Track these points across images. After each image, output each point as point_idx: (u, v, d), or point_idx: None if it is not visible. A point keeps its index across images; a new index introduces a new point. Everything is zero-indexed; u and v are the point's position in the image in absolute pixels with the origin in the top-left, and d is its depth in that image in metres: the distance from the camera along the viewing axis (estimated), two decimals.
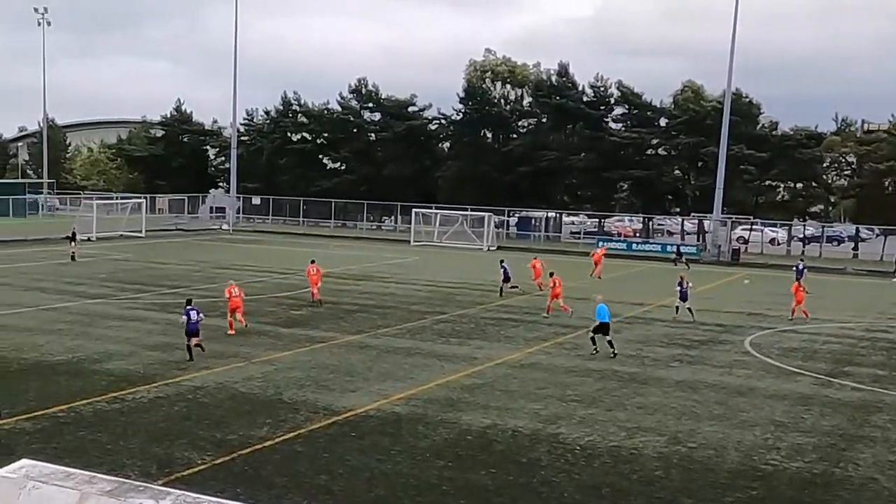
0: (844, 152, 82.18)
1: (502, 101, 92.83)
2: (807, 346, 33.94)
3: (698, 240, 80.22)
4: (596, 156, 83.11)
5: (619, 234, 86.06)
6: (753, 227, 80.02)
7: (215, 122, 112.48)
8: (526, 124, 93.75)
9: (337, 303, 40.38)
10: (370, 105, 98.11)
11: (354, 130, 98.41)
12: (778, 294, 45.51)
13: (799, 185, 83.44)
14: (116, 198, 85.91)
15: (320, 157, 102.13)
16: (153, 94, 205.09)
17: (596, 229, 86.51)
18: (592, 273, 53.96)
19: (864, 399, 25.73)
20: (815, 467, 19.37)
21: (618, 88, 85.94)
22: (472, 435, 20.77)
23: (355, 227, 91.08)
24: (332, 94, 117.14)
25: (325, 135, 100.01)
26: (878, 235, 78.32)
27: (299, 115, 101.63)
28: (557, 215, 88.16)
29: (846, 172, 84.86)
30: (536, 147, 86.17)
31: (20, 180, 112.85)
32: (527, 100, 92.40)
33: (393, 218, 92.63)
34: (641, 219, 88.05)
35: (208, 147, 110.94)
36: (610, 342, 30.62)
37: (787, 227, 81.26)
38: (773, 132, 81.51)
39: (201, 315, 28.22)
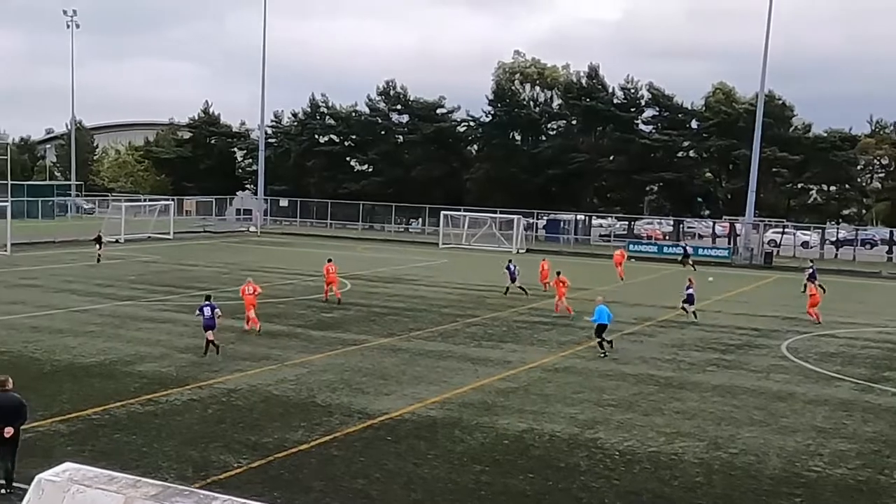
0: (878, 154, 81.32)
1: (531, 103, 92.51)
2: (845, 350, 33.44)
3: (729, 243, 79.58)
4: (626, 158, 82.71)
5: (649, 237, 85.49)
6: (785, 230, 79.25)
7: (243, 123, 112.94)
8: (555, 126, 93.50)
9: (367, 305, 40.20)
10: (398, 107, 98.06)
11: (382, 132, 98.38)
12: None
13: (832, 188, 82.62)
14: (144, 200, 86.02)
15: (348, 159, 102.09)
16: (179, 97, 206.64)
17: (625, 232, 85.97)
18: (619, 275, 53.91)
19: None
20: (859, 474, 18.98)
21: (648, 90, 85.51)
22: (508, 439, 20.50)
23: (382, 229, 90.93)
24: (357, 96, 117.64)
25: (353, 137, 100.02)
26: None
27: (327, 116, 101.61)
28: (586, 218, 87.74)
29: (880, 175, 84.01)
30: (566, 149, 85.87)
31: (49, 182, 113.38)
32: (556, 102, 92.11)
33: (420, 220, 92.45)
34: (671, 222, 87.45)
35: (236, 149, 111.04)
36: (603, 342, 31.00)
37: (819, 231, 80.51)
38: (807, 134, 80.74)
39: (218, 311, 28.59)
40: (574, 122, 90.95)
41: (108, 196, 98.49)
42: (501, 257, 64.21)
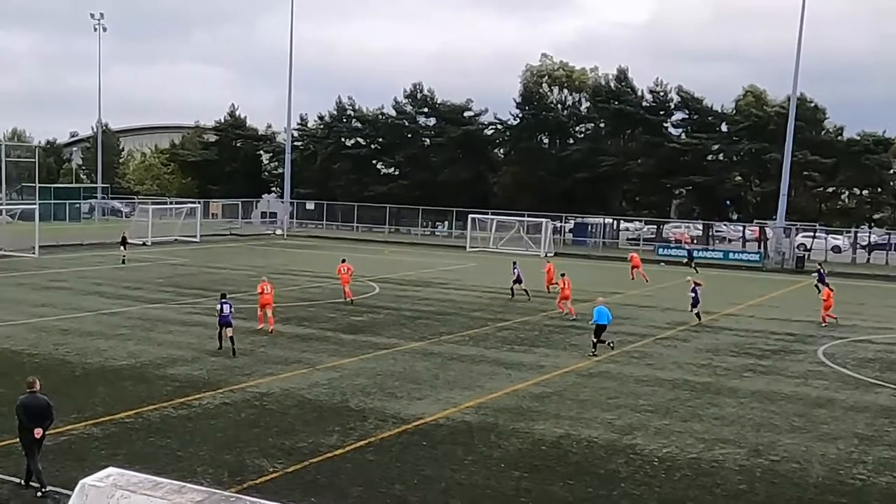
0: None
1: (559, 106, 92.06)
2: (882, 356, 32.94)
3: (759, 247, 78.98)
4: (655, 161, 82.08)
5: (677, 241, 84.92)
6: (816, 234, 78.47)
7: (269, 126, 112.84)
8: (583, 129, 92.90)
9: (397, 309, 39.99)
10: (425, 110, 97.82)
11: (409, 135, 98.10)
12: (847, 303, 44.60)
13: (864, 192, 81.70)
14: (170, 202, 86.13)
15: (374, 162, 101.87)
16: (204, 100, 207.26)
17: (653, 236, 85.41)
18: (640, 277, 54.37)
19: None
20: None
21: (678, 93, 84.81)
22: (545, 445, 20.22)
23: (409, 232, 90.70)
24: (383, 98, 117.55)
25: (380, 140, 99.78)
26: None
27: (353, 119, 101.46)
28: (614, 221, 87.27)
29: None
30: (594, 153, 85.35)
31: (76, 185, 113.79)
32: (584, 105, 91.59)
33: (447, 223, 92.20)
34: (700, 225, 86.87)
35: (262, 152, 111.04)
36: (602, 340, 31.25)
37: (850, 235, 79.76)
38: (839, 137, 79.73)
39: (233, 308, 29.40)
40: (602, 125, 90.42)
41: (134, 199, 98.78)
42: (529, 261, 63.98)
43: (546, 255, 67.19)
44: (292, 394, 23.81)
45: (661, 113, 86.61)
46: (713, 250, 75.92)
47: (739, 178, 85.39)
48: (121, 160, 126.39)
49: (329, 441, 19.76)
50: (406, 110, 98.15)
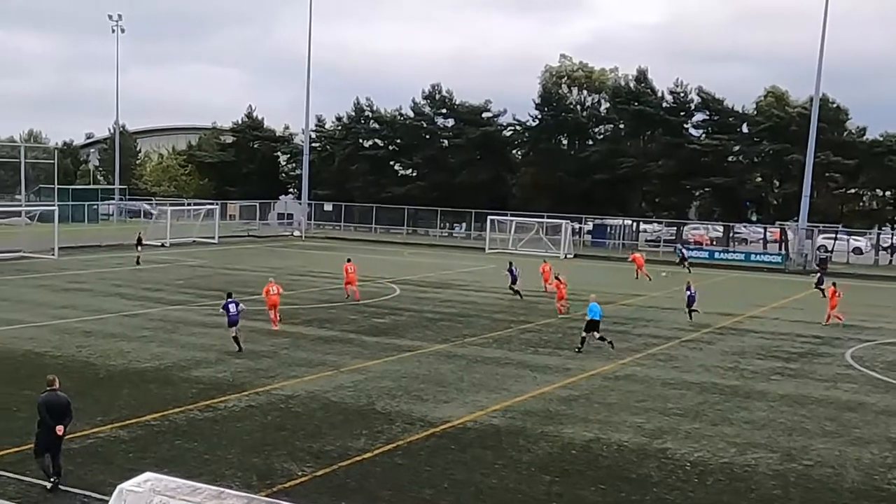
0: None
1: (578, 106, 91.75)
2: None
3: (780, 249, 78.52)
4: (675, 163, 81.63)
5: (697, 243, 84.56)
6: (837, 235, 77.90)
7: (286, 128, 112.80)
8: (603, 130, 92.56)
9: (419, 311, 39.81)
10: (444, 111, 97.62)
11: (427, 137, 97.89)
12: (872, 305, 44.28)
13: (887, 193, 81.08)
14: (186, 204, 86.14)
15: (392, 163, 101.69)
16: (220, 101, 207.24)
17: (673, 237, 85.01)
18: (637, 276, 55.74)
19: None
20: None
21: (698, 94, 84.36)
22: (575, 449, 19.99)
23: (427, 233, 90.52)
24: (399, 100, 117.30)
25: (398, 141, 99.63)
26: None
27: (371, 121, 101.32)
28: (633, 223, 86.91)
29: None
30: (613, 154, 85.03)
31: (93, 186, 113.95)
32: (604, 106, 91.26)
33: (465, 225, 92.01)
34: (720, 227, 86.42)
35: (279, 153, 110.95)
36: (601, 337, 31.63)
37: (871, 237, 79.17)
38: (861, 138, 79.18)
39: (241, 307, 29.99)
40: (622, 126, 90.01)
41: (152, 200, 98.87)
42: (550, 263, 63.77)
43: (566, 257, 66.90)
44: (318, 396, 23.62)
45: (682, 114, 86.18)
46: (734, 252, 75.45)
47: (760, 179, 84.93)
48: (138, 161, 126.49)
49: (357, 444, 19.55)
50: (424, 111, 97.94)
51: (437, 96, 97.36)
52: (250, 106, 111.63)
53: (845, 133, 79.53)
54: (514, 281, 45.47)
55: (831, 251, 75.22)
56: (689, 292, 39.74)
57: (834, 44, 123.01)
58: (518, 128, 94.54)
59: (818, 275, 52.60)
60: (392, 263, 61.10)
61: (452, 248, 77.41)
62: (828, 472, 19.12)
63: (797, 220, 70.83)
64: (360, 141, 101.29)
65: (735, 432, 21.81)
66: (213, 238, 74.71)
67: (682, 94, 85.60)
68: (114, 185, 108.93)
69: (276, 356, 28.62)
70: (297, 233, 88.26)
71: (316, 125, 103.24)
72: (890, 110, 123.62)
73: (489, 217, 76.87)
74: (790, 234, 76.02)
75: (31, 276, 47.41)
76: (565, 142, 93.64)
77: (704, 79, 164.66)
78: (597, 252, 74.62)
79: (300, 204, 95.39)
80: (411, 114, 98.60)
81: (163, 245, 68.38)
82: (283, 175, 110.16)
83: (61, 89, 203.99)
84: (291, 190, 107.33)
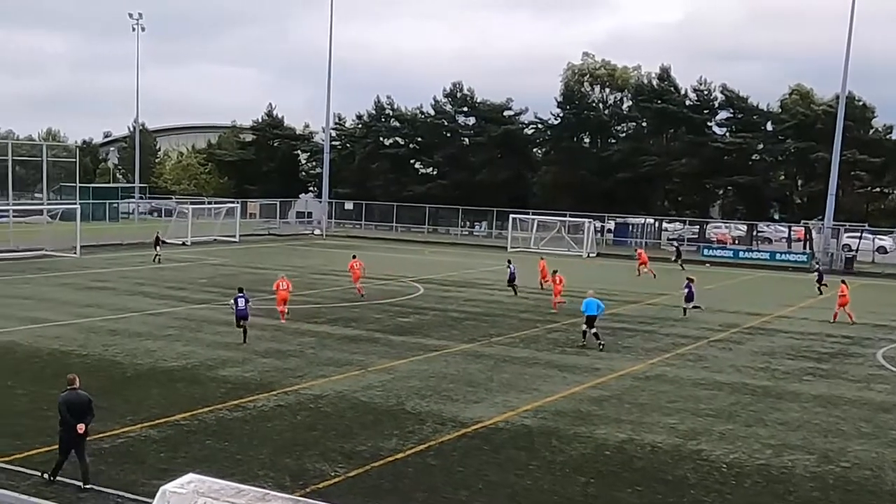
0: None
1: (601, 105, 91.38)
2: None
3: (804, 248, 77.95)
4: (698, 161, 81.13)
5: (719, 241, 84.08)
6: (863, 234, 77.13)
7: (306, 126, 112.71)
8: (625, 129, 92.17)
9: (444, 310, 39.60)
10: (465, 109, 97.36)
11: (448, 135, 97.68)
12: None
13: None
14: (206, 202, 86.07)
15: (412, 161, 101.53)
16: (237, 100, 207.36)
17: (696, 236, 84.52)
18: (640, 273, 56.40)
19: None
20: None
21: (722, 92, 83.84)
22: (609, 450, 19.75)
23: (447, 232, 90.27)
24: (418, 98, 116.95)
25: (419, 139, 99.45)
26: None
27: (392, 119, 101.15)
28: (655, 221, 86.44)
29: None
30: (636, 152, 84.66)
31: (113, 185, 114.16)
32: (626, 104, 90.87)
33: (486, 223, 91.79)
34: (744, 226, 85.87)
35: (299, 152, 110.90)
36: (596, 334, 31.61)
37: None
38: (888, 136, 78.53)
39: (250, 303, 31.18)
40: (644, 124, 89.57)
41: (171, 198, 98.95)
42: (572, 262, 63.63)
43: (588, 256, 66.56)
44: (346, 396, 23.43)
45: (705, 112, 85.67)
46: (759, 251, 74.89)
47: (784, 177, 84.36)
48: (157, 160, 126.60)
49: (388, 445, 19.37)
50: (445, 109, 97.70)
51: (459, 94, 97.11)
52: (270, 104, 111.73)
53: (871, 131, 78.94)
54: (511, 279, 45.85)
55: (856, 250, 74.49)
56: (687, 289, 39.98)
57: (860, 41, 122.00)
58: (540, 126, 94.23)
59: (817, 272, 52.35)
60: (414, 262, 60.92)
61: (473, 247, 77.17)
62: (866, 474, 18.85)
63: (822, 219, 70.33)
64: (381, 139, 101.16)
65: (770, 433, 21.53)
66: (234, 237, 74.70)
67: (705, 92, 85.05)
68: (134, 183, 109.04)
69: (302, 355, 28.47)
70: (317, 231, 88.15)
71: (336, 123, 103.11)
72: None
73: (511, 215, 76.53)
74: (815, 233, 75.40)
75: (54, 275, 47.40)
76: (587, 140, 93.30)
77: (726, 77, 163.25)
78: (619, 251, 74.12)
79: (320, 202, 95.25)
80: (432, 112, 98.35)
81: (184, 244, 68.37)
82: (304, 174, 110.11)
83: (78, 88, 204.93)
84: (311, 188, 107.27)
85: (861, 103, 77.06)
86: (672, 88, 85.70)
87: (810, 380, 27.86)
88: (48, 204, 69.36)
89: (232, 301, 30.92)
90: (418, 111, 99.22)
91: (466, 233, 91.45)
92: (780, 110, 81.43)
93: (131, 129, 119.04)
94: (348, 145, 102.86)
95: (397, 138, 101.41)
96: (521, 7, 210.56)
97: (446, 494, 16.72)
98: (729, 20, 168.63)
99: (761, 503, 17.05)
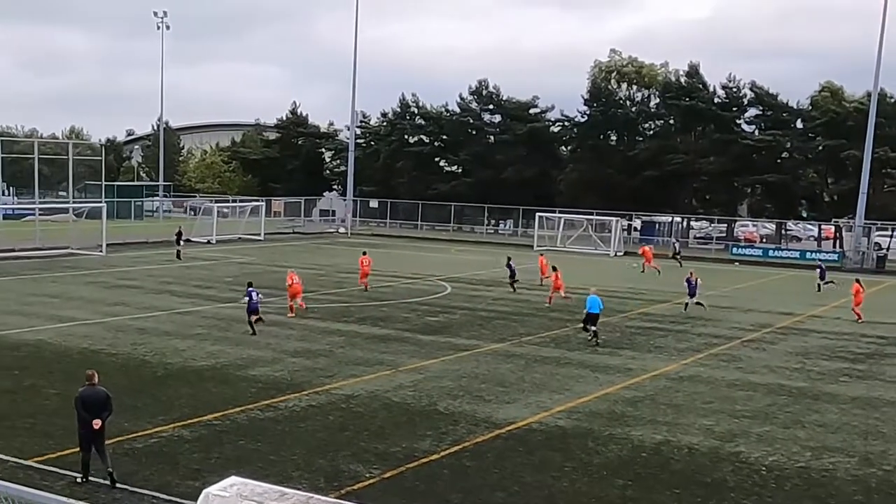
0: None
1: (628, 102, 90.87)
2: None
3: (834, 246, 77.23)
4: (726, 159, 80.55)
5: (747, 240, 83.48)
6: (894, 233, 76.30)
7: (331, 124, 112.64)
8: (652, 126, 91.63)
9: (472, 309, 39.34)
10: (490, 107, 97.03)
11: (473, 133, 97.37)
12: None
13: None
14: (231, 200, 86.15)
15: (437, 159, 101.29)
16: (259, 98, 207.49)
17: (724, 234, 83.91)
18: (644, 269, 57.26)
19: None
20: None
21: (751, 89, 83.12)
22: (646, 452, 19.44)
23: (472, 230, 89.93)
24: (443, 96, 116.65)
25: (444, 137, 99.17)
26: None
27: (417, 117, 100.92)
28: (683, 220, 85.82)
29: None
30: (663, 150, 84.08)
31: (138, 183, 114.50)
32: (653, 101, 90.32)
33: (511, 222, 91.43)
34: (772, 224, 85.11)
35: (323, 150, 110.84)
36: (595, 332, 31.85)
37: None
38: None
39: (261, 296, 32.70)
40: (672, 121, 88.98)
41: (195, 197, 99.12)
42: (599, 260, 63.38)
43: (616, 254, 66.15)
44: (378, 396, 23.21)
45: (734, 109, 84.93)
46: (788, 250, 74.20)
47: (814, 175, 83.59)
48: (181, 158, 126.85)
49: (422, 446, 19.14)
50: (471, 107, 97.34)
51: (484, 92, 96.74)
52: (294, 102, 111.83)
53: None
54: (512, 275, 46.33)
55: (888, 249, 73.76)
56: (690, 283, 40.10)
57: (893, 37, 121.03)
58: (566, 124, 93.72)
59: (819, 270, 52.37)
60: (440, 261, 60.67)
61: (499, 246, 76.72)
62: None
63: (852, 218, 69.68)
64: (406, 137, 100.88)
65: (808, 435, 21.18)
66: (259, 235, 74.63)
67: (734, 90, 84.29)
68: (157, 181, 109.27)
69: (332, 355, 28.28)
70: (342, 230, 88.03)
71: (361, 121, 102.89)
72: None
73: (537, 214, 76.10)
74: (845, 232, 74.71)
75: (80, 273, 47.43)
76: (614, 138, 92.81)
77: (754, 74, 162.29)
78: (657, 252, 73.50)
79: (344, 201, 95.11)
80: (457, 110, 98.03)
81: (209, 242, 68.39)
82: (328, 172, 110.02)
83: (101, 86, 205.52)
84: (336, 187, 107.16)
85: (893, 100, 76.06)
86: (700, 86, 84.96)
87: (847, 381, 27.46)
88: (74, 202, 69.43)
89: (245, 296, 32.13)
90: (443, 109, 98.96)
91: (492, 231, 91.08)
92: (810, 108, 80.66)
93: (155, 127, 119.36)
94: (373, 143, 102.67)
95: (422, 136, 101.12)
96: (547, 4, 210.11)
97: (482, 496, 16.49)
98: (757, 17, 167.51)
99: None
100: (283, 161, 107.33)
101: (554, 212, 77.19)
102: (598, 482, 17.48)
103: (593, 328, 32.05)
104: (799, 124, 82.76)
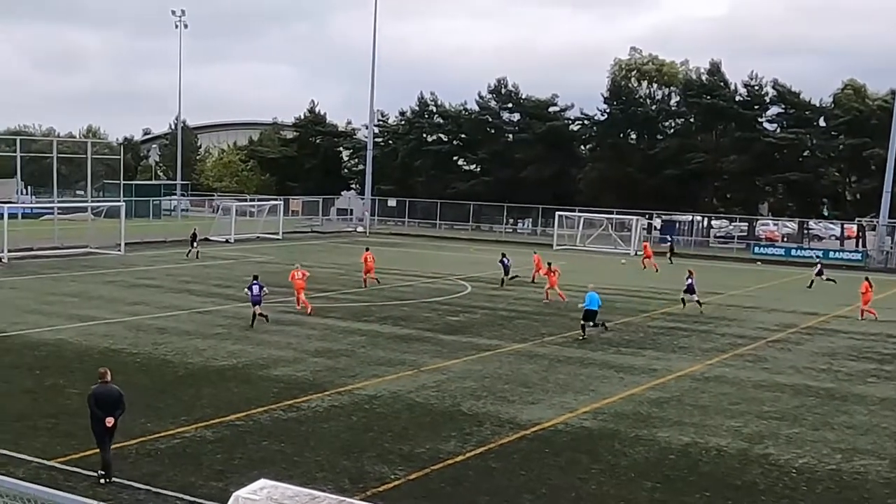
0: None
1: (648, 100, 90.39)
2: None
3: (857, 245, 76.61)
4: (748, 157, 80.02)
5: (768, 239, 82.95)
6: None
7: (349, 123, 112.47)
8: (673, 125, 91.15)
9: (493, 309, 39.09)
10: (509, 105, 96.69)
11: (492, 131, 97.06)
12: None
13: None
14: (249, 199, 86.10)
15: (455, 158, 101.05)
16: (274, 96, 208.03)
17: (745, 234, 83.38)
18: (644, 266, 58.27)
19: None
20: None
21: (773, 87, 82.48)
22: (673, 454, 19.17)
23: (490, 229, 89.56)
24: (460, 95, 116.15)
25: (462, 136, 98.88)
26: None
27: (435, 115, 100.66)
28: (704, 219, 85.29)
29: None
30: (684, 149, 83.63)
31: (156, 182, 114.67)
32: (674, 99, 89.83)
33: (531, 221, 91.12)
34: (794, 223, 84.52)
35: (341, 148, 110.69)
36: (595, 324, 32.80)
37: None
38: None
39: (265, 290, 32.85)
40: (693, 120, 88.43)
41: (213, 196, 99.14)
42: (619, 259, 62.92)
43: (636, 254, 65.74)
44: (401, 397, 23.01)
45: (756, 108, 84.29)
46: (811, 249, 73.56)
47: (837, 174, 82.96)
48: (198, 157, 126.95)
49: (447, 447, 18.92)
50: (490, 106, 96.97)
51: (503, 90, 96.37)
52: (312, 101, 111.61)
53: None
54: (506, 272, 47.10)
55: None
56: (689, 281, 39.83)
57: None
58: (585, 122, 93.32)
59: (818, 266, 52.58)
60: (459, 260, 60.45)
61: (518, 245, 76.38)
62: None
63: (875, 217, 69.12)
64: (424, 136, 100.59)
65: (838, 437, 20.89)
66: (278, 234, 74.57)
67: (756, 88, 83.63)
68: (175, 180, 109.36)
69: (353, 355, 28.09)
70: (360, 228, 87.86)
71: (379, 120, 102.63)
72: None
73: (557, 213, 75.74)
74: (868, 231, 74.11)
75: (99, 272, 47.40)
76: (634, 136, 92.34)
77: (772, 72, 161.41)
78: (666, 249, 73.02)
79: (362, 199, 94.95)
80: (476, 108, 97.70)
81: (227, 241, 68.35)
82: (346, 170, 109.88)
83: (118, 85, 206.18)
84: (353, 185, 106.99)
85: None
86: (722, 83, 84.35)
87: (875, 382, 27.11)
88: (93, 202, 69.48)
89: (247, 288, 32.88)
90: (462, 108, 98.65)
91: (510, 230, 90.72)
92: (832, 105, 80.00)
93: (172, 126, 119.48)
94: (391, 142, 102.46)
95: (440, 135, 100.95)
96: (563, 3, 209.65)
97: (510, 498, 16.29)
98: (776, 14, 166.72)
99: None
100: (300, 160, 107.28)
101: (574, 211, 76.79)
102: (627, 484, 17.23)
103: (591, 324, 32.40)
104: (821, 122, 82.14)
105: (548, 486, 16.98)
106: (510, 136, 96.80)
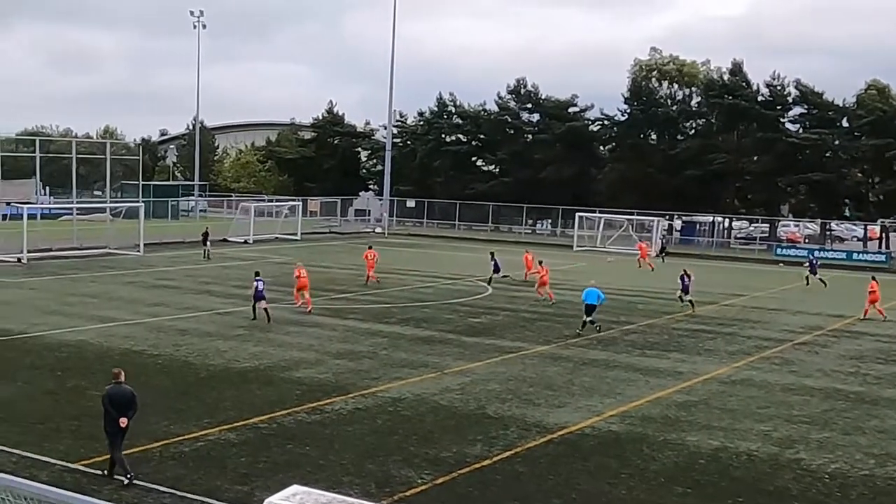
0: None
1: (668, 100, 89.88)
2: None
3: (880, 247, 75.97)
4: (770, 158, 79.46)
5: (789, 240, 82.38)
6: None
7: (367, 123, 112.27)
8: (694, 125, 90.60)
9: (515, 310, 38.81)
10: (529, 106, 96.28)
11: (511, 132, 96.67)
12: None
13: None
14: (267, 200, 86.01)
15: (474, 159, 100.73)
16: (293, 97, 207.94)
17: (767, 235, 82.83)
18: (640, 265, 59.08)
19: None
20: None
21: (796, 87, 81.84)
22: (703, 458, 18.86)
23: (509, 230, 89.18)
24: (480, 95, 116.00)
25: (481, 136, 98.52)
26: None
27: (454, 116, 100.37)
28: (725, 220, 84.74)
29: None
30: (705, 149, 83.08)
31: (174, 183, 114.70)
32: (695, 100, 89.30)
33: (550, 222, 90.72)
34: (816, 224, 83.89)
35: (360, 149, 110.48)
36: (591, 321, 33.17)
37: None
38: None
39: (265, 285, 33.80)
40: (714, 120, 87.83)
41: (231, 196, 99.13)
42: (626, 260, 62.48)
43: (657, 255, 65.29)
44: (425, 399, 22.75)
45: (778, 108, 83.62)
46: (834, 251, 72.96)
47: (860, 175, 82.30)
48: (216, 157, 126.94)
49: (473, 451, 18.67)
50: (509, 106, 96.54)
51: (523, 91, 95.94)
52: (331, 101, 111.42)
53: None
54: (496, 270, 47.20)
55: None
56: (685, 280, 39.78)
57: None
58: (605, 122, 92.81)
59: (809, 264, 52.83)
60: (479, 261, 59.98)
61: (538, 246, 76.00)
62: None
63: None
64: (443, 136, 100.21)
65: (870, 442, 20.53)
66: (296, 235, 74.44)
67: (778, 88, 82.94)
68: (193, 181, 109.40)
69: (376, 357, 27.86)
70: (378, 229, 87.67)
71: (397, 121, 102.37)
72: None
73: (577, 214, 75.36)
74: (892, 233, 73.45)
75: (119, 273, 47.34)
76: (654, 137, 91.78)
77: (791, 72, 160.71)
78: (687, 250, 72.61)
79: (380, 200, 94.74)
80: (495, 109, 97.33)
81: (245, 241, 68.28)
82: (364, 171, 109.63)
83: (135, 86, 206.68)
84: (372, 186, 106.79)
85: None
86: (744, 84, 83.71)
87: None
88: (112, 202, 69.51)
89: (253, 285, 33.56)
90: (481, 108, 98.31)
91: (529, 231, 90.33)
92: (855, 106, 79.32)
93: (190, 126, 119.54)
94: (409, 143, 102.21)
95: (459, 135, 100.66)
96: (578, 3, 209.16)
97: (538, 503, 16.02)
98: (794, 13, 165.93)
99: None
100: (318, 160, 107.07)
101: (594, 211, 76.38)
102: (657, 489, 16.95)
103: (588, 318, 32.93)
104: (844, 123, 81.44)
105: (577, 491, 16.71)
106: (529, 136, 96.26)
